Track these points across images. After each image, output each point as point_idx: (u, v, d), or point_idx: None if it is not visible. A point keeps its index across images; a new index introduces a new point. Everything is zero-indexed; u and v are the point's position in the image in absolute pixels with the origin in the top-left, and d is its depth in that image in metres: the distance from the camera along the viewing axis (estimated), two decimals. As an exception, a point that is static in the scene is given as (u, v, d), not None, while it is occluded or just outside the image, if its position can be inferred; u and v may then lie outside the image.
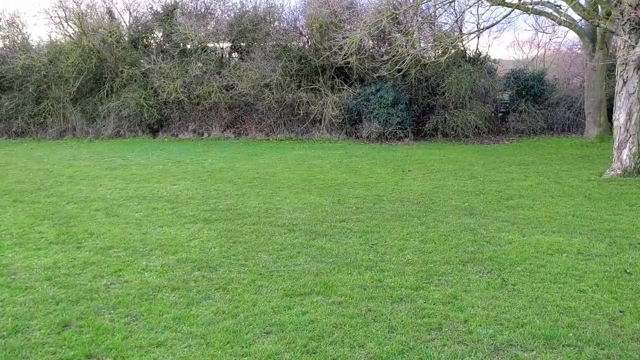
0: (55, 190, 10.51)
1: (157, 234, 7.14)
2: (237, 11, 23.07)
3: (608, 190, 9.84)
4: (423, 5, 20.70)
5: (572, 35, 30.21)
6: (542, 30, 19.17)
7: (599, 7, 14.40)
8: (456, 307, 4.65)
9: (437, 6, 21.19)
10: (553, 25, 24.52)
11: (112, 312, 4.62)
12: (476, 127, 20.46)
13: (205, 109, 21.66)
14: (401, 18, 20.90)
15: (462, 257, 5.99)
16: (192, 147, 18.83)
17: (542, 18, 20.83)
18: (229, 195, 9.83)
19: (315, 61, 20.72)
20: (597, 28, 18.51)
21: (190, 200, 9.45)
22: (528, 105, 21.61)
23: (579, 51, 29.00)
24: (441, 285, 5.15)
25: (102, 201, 9.39)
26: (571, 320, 4.36)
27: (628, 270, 5.46)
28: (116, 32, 22.13)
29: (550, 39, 28.33)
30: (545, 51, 30.62)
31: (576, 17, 19.40)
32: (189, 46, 22.33)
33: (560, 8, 18.82)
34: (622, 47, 10.89)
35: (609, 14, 13.22)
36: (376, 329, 4.26)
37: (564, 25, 19.17)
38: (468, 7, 20.70)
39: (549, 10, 18.50)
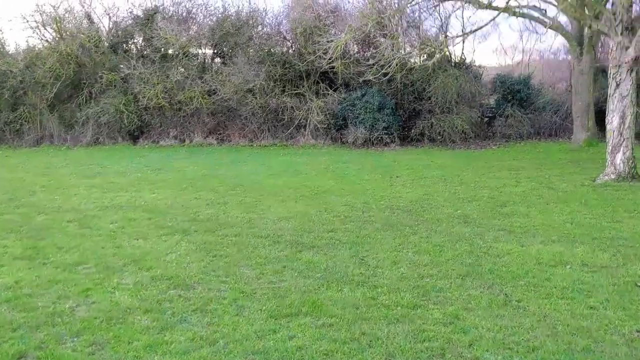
0: (27, 200, 9.95)
1: (131, 247, 6.64)
2: (220, 15, 22.63)
3: (603, 195, 9.52)
4: (408, 9, 20.45)
5: (557, 40, 30.22)
6: (534, 31, 18.95)
7: (586, 9, 14.13)
8: (459, 328, 4.22)
9: (422, 10, 20.95)
10: (540, 29, 24.42)
11: (75, 339, 4.12)
12: (463, 132, 20.16)
13: (187, 114, 21.13)
14: (386, 22, 20.61)
15: (460, 270, 5.58)
16: (174, 153, 18.30)
17: (530, 22, 20.69)
18: (210, 204, 9.36)
19: (299, 66, 20.32)
20: (584, 31, 18.35)
21: (169, 209, 8.96)
22: (514, 109, 21.36)
23: (563, 56, 29.01)
24: (440, 303, 4.73)
25: (75, 212, 8.85)
26: (586, 342, 3.95)
27: (638, 284, 5.08)
28: (95, 37, 21.54)
29: (537, 41, 28.21)
30: (529, 56, 30.56)
31: (562, 19, 19.25)
32: (170, 51, 21.82)
33: (546, 12, 18.67)
34: (614, 49, 10.61)
35: (597, 15, 13.00)
36: (372, 356, 3.81)
37: (551, 29, 19.00)
38: (454, 10, 20.50)
39: (536, 14, 18.33)
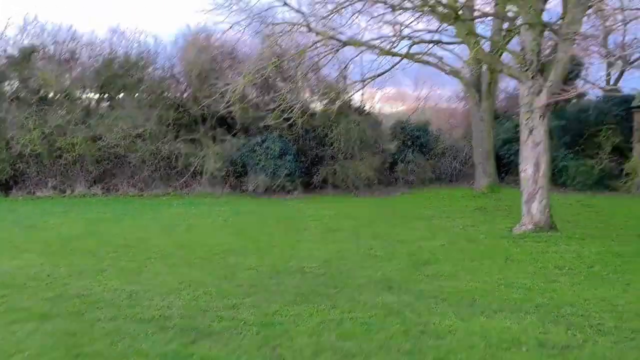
0: None
1: (-37, 345, 4.95)
2: (106, 56, 20.91)
3: (526, 249, 8.89)
4: (308, 53, 19.86)
5: (450, 88, 31.01)
6: (430, 77, 18.95)
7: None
8: None
9: (321, 55, 20.44)
10: (436, 76, 24.74)
11: None
12: (367, 178, 19.59)
13: (69, 162, 19.03)
14: (285, 67, 19.90)
15: (399, 361, 4.46)
16: (51, 207, 16.15)
17: (429, 69, 20.72)
18: (84, 273, 7.71)
19: (194, 110, 19.01)
20: (482, 78, 18.51)
21: (30, 282, 7.22)
22: (415, 155, 21.19)
23: (456, 103, 29.71)
24: (384, 421, 3.56)
25: None
26: None
27: (614, 372, 4.21)
28: (-40, 77, 19.12)
29: (432, 88, 28.76)
30: (425, 103, 31.07)
31: (459, 66, 19.37)
32: (50, 94, 19.84)
33: (442, 59, 18.74)
34: (525, 94, 10.26)
35: (500, 55, 12.85)
36: None
37: (450, 75, 19.06)
38: (355, 55, 20.15)
39: (435, 61, 18.30)
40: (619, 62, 20.72)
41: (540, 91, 9.99)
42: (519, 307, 5.83)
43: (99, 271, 7.82)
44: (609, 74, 23.41)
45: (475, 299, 6.16)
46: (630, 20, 18.80)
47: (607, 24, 16.71)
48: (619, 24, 19.34)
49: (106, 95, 20.91)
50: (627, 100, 18.98)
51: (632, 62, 20.28)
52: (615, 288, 6.55)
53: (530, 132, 10.23)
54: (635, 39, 21.91)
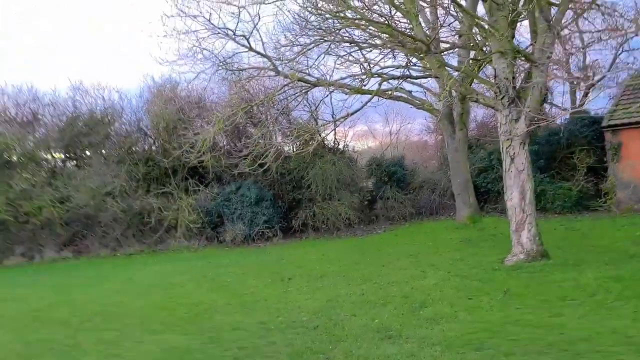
0: None
1: None
2: (70, 115, 20.42)
3: (523, 281, 8.53)
4: (277, 96, 19.71)
5: (421, 120, 31.19)
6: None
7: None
8: None
9: (291, 98, 20.31)
10: (405, 111, 24.77)
11: None
12: (347, 218, 19.20)
13: (36, 227, 18.30)
14: (255, 111, 19.69)
15: None
16: (18, 275, 15.38)
17: (398, 104, 20.68)
18: (56, 349, 7.09)
19: (164, 162, 18.55)
20: (454, 109, 18.49)
21: (-3, 365, 6.60)
22: (393, 191, 20.95)
23: (426, 136, 29.84)
24: None
25: None
26: None
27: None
28: None
29: (403, 122, 28.97)
30: (397, 138, 31.14)
31: (432, 99, 19.39)
32: (14, 157, 19.26)
33: (411, 93, 18.72)
34: (503, 122, 10.08)
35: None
36: None
37: (422, 109, 19.02)
38: (325, 96, 20.05)
39: (406, 96, 18.26)
40: (582, 84, 21.03)
41: (518, 118, 9.83)
42: (531, 347, 5.43)
43: (72, 346, 7.21)
44: (574, 96, 23.81)
45: (482, 342, 5.74)
46: (589, 44, 19.21)
47: (567, 47, 16.94)
48: (580, 47, 19.73)
49: (72, 154, 20.36)
50: (597, 120, 19.09)
51: (595, 84, 20.60)
52: (623, 317, 6.21)
53: (512, 160, 10.02)
54: (595, 60, 22.35)
